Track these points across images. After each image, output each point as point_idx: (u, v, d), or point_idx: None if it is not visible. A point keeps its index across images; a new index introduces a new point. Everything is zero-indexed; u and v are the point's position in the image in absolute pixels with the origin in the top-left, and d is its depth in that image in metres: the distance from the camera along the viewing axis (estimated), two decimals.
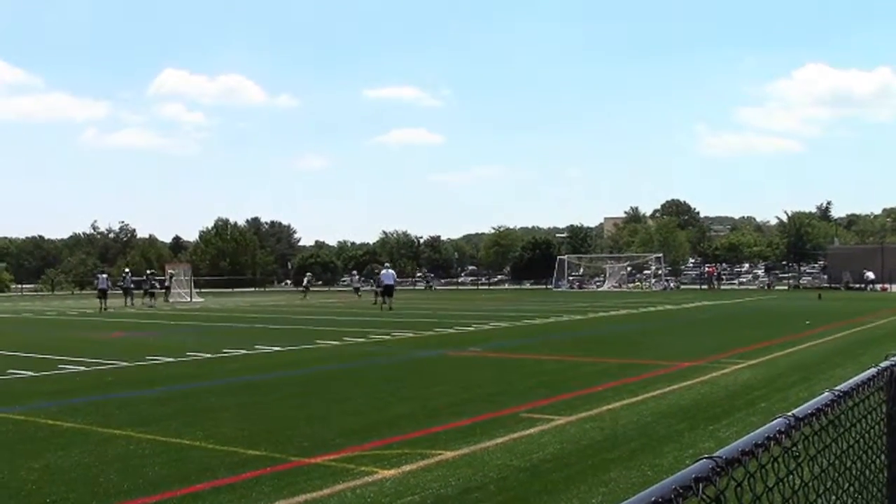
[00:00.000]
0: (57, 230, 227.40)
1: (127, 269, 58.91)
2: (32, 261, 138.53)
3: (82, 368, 17.46)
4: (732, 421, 10.64)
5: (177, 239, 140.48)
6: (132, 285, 52.73)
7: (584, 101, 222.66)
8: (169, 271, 61.12)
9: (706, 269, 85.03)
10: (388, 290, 44.22)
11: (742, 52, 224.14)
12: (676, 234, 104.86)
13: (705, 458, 1.81)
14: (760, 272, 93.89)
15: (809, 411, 2.40)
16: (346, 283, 57.63)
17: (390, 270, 47.35)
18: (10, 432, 10.54)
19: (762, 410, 11.30)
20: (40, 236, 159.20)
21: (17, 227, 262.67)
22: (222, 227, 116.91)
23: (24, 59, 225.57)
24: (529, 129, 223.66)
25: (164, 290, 55.79)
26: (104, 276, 50.32)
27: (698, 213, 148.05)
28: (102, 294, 47.84)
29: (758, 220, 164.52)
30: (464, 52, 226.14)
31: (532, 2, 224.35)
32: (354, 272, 61.96)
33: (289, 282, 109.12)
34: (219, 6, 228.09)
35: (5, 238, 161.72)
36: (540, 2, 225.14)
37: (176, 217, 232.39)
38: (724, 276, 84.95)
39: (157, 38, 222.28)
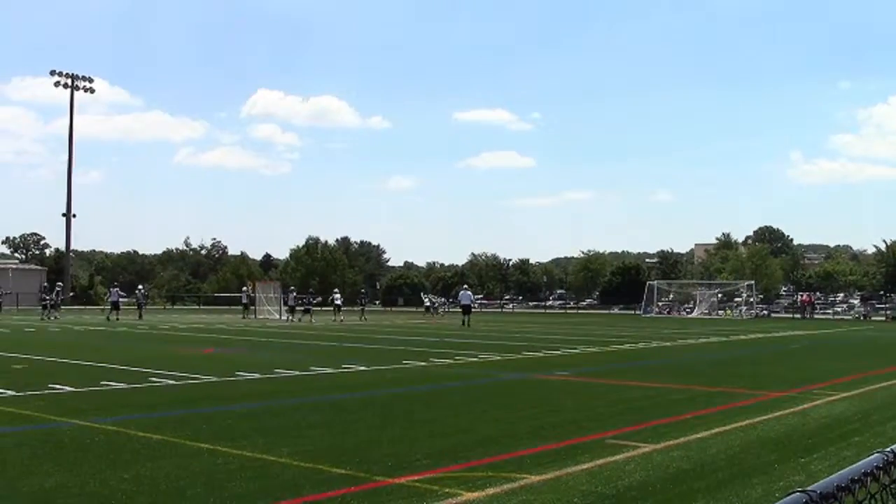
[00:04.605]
0: (151, 246, 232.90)
1: (140, 286, 65.03)
2: (126, 275, 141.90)
3: (172, 382, 17.77)
4: (825, 454, 10.36)
5: (267, 257, 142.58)
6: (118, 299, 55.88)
7: (675, 127, 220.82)
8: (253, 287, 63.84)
9: (801, 297, 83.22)
10: (466, 310, 49.56)
11: (836, 78, 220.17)
12: (769, 261, 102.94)
13: (798, 491, 1.76)
14: (856, 302, 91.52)
15: None
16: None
17: (468, 291, 53.12)
18: (102, 443, 10.76)
19: (856, 445, 10.99)
20: (134, 251, 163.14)
21: (113, 242, 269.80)
22: (313, 245, 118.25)
23: (127, 79, 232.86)
24: (620, 154, 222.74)
25: (337, 307, 57.65)
26: (116, 289, 56.03)
27: (792, 240, 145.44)
28: (115, 306, 53.19)
29: (854, 248, 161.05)
30: (553, 76, 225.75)
31: (622, 27, 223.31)
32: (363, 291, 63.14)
33: (377, 301, 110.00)
34: (312, 28, 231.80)
35: (101, 252, 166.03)
36: (630, 27, 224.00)
37: (267, 235, 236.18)
38: (817, 306, 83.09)
39: (253, 58, 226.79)
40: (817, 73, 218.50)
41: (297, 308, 56.47)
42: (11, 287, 60.19)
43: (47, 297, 55.30)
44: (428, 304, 72.11)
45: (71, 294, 70.58)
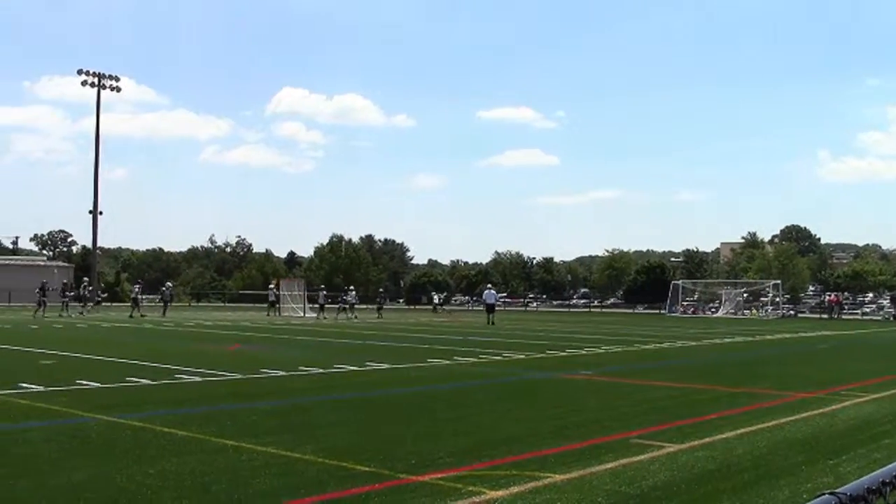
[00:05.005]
0: (176, 243, 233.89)
1: (169, 283, 67.39)
2: (152, 272, 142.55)
3: (197, 379, 17.85)
4: (854, 456, 10.26)
5: (291, 254, 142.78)
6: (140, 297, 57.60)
7: (701, 125, 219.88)
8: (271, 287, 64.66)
9: (828, 297, 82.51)
10: (490, 308, 50.63)
11: (863, 75, 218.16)
12: (796, 260, 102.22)
13: (827, 493, 1.74)
14: (885, 302, 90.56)
15: None
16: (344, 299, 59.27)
17: (492, 290, 54.24)
18: (129, 438, 10.82)
19: (886, 447, 10.88)
20: (160, 248, 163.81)
21: (139, 240, 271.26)
22: (337, 243, 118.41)
23: (153, 78, 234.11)
24: (645, 152, 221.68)
25: (350, 305, 58.31)
26: (137, 287, 57.89)
27: (819, 239, 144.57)
28: (135, 302, 54.77)
29: (883, 247, 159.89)
30: (577, 74, 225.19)
31: (648, 25, 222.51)
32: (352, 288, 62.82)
33: (401, 300, 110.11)
34: (336, 26, 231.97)
35: (128, 249, 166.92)
36: (656, 25, 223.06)
37: (291, 233, 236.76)
38: (845, 306, 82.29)
39: (277, 57, 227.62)
40: (844, 71, 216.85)
41: (328, 305, 57.48)
42: (58, 284, 61.27)
43: (69, 294, 55.77)
44: (437, 301, 73.23)
45: (105, 294, 71.85)
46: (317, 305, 59.36)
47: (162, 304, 59.08)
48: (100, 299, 67.03)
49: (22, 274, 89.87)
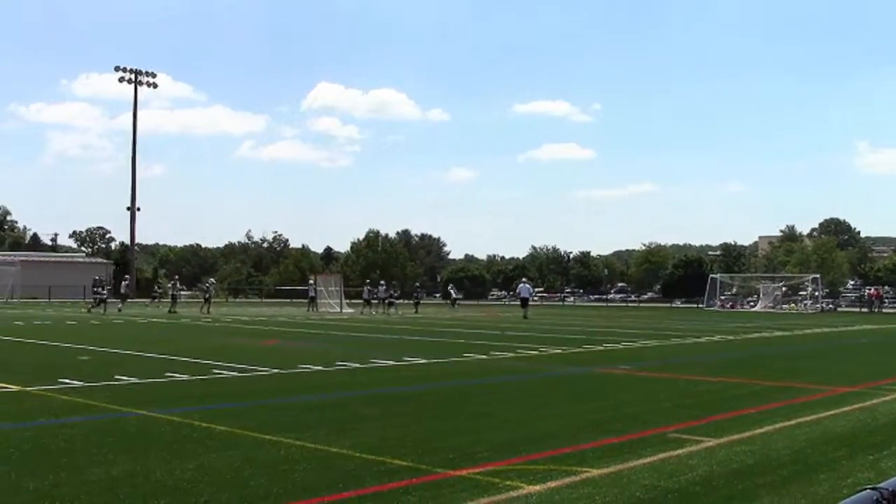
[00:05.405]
0: (213, 239, 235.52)
1: (177, 276, 69.17)
2: (189, 268, 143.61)
3: (235, 374, 17.95)
4: (895, 452, 10.16)
5: (328, 250, 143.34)
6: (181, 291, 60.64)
7: (738, 118, 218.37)
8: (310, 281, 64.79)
9: (868, 291, 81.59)
10: (524, 302, 51.18)
11: None
12: (835, 254, 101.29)
13: (868, 488, 1.72)
14: None
15: None
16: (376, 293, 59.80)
17: (527, 284, 54.54)
18: (167, 433, 10.90)
19: None
20: (197, 244, 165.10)
21: (176, 236, 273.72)
22: (373, 238, 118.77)
23: (190, 74, 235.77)
24: (682, 146, 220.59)
25: (381, 300, 59.36)
26: (172, 283, 59.97)
27: (859, 232, 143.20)
28: (173, 299, 56.42)
29: None
30: (614, 67, 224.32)
31: (685, 16, 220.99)
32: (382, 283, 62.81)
33: (438, 295, 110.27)
34: (372, 20, 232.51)
35: (165, 245, 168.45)
36: (693, 16, 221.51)
37: (328, 228, 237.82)
38: (886, 300, 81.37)
39: (313, 52, 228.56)
40: (883, 63, 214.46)
41: (372, 301, 58.22)
42: (118, 283, 62.33)
43: (101, 291, 56.26)
44: (454, 295, 73.41)
45: (160, 291, 72.74)
46: (361, 301, 60.06)
47: (204, 300, 59.01)
48: (155, 295, 67.77)
49: (61, 271, 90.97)
